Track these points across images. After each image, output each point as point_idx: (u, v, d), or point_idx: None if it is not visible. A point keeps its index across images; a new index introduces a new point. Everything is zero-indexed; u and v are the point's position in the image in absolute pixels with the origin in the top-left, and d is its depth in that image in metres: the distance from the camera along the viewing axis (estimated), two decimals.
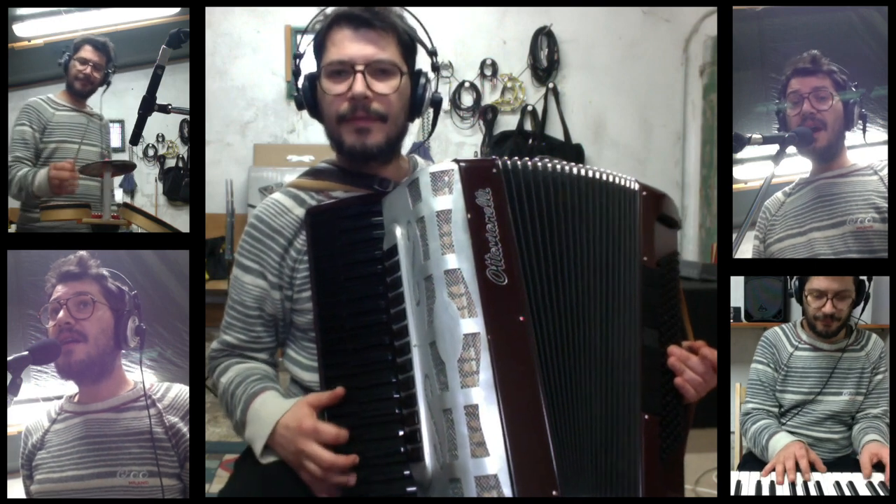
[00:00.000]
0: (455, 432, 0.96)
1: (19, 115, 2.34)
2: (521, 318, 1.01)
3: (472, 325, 0.99)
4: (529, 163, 1.11)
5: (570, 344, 1.04)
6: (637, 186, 1.17)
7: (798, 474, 1.49)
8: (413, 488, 1.02)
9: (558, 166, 1.12)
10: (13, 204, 2.37)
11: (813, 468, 1.51)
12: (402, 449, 1.02)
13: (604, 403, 1.04)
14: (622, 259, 1.11)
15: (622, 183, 1.16)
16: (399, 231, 1.09)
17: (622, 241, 1.12)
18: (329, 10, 1.27)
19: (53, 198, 2.25)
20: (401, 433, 1.03)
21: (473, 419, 0.96)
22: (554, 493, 0.94)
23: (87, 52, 2.36)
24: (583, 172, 1.14)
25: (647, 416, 1.04)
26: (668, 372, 1.10)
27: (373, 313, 1.09)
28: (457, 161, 1.07)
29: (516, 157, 1.11)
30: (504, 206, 1.06)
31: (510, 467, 0.94)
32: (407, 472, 1.02)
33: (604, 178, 1.15)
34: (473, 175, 1.06)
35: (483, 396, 0.96)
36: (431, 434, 1.00)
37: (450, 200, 1.04)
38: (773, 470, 1.52)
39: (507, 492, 0.93)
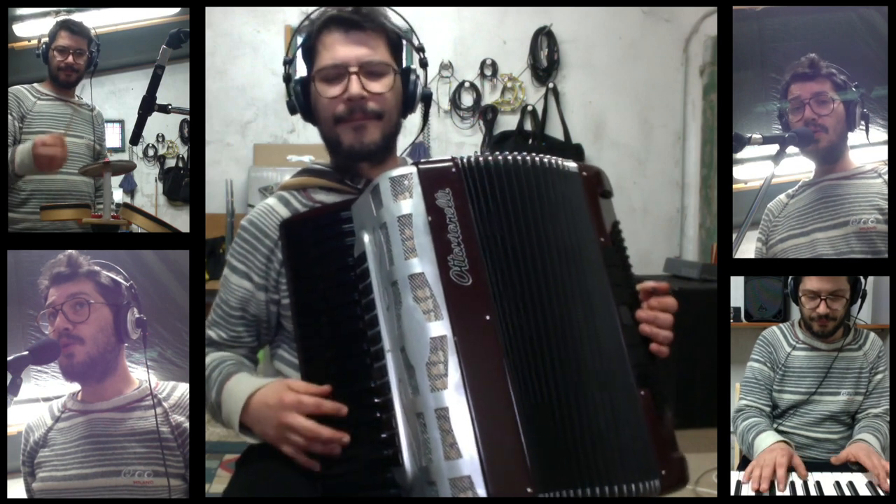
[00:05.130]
0: (428, 436, 0.97)
1: None
2: (488, 318, 1.01)
3: (439, 327, 0.99)
4: (490, 158, 1.09)
5: (546, 336, 1.04)
6: (575, 167, 1.16)
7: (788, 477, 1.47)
8: (395, 491, 1.02)
9: (509, 157, 1.10)
10: None
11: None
12: (382, 453, 1.02)
13: (600, 388, 1.04)
14: (583, 243, 1.11)
15: (563, 166, 1.14)
16: (367, 237, 1.08)
17: (578, 225, 1.11)
18: (315, 14, 1.28)
19: (24, 180, 2.15)
20: (381, 437, 1.03)
21: (444, 422, 0.96)
22: (528, 490, 0.95)
23: (64, 39, 2.22)
24: (535, 160, 1.12)
25: (643, 392, 1.06)
26: (645, 341, 1.11)
27: (349, 321, 1.09)
28: (416, 164, 1.07)
29: (475, 154, 1.11)
30: (465, 205, 1.05)
31: (483, 468, 0.94)
32: (389, 476, 1.02)
33: (546, 163, 1.13)
34: (432, 177, 1.06)
35: (453, 399, 0.97)
36: (408, 438, 1.00)
37: (410, 204, 1.04)
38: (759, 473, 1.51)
39: (481, 492, 0.93)
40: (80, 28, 2.25)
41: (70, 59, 2.25)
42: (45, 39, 2.24)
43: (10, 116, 2.21)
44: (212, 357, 1.28)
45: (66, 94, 2.33)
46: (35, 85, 2.31)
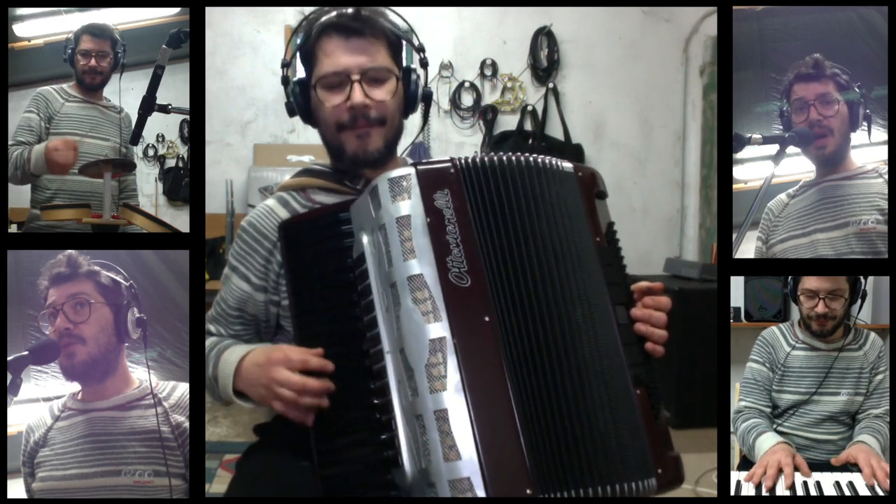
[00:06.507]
0: (427, 437, 0.97)
1: (29, 103, 2.28)
2: (487, 319, 1.01)
3: (438, 329, 0.99)
4: (487, 158, 1.09)
5: (544, 337, 1.03)
6: (571, 167, 1.15)
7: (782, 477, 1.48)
8: (395, 493, 1.02)
9: (504, 158, 1.10)
10: (16, 203, 2.36)
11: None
12: (382, 454, 1.02)
13: (598, 388, 1.04)
14: (580, 243, 1.10)
15: (559, 167, 1.14)
16: (365, 238, 1.08)
17: (574, 225, 1.11)
18: (313, 15, 1.28)
19: (49, 179, 2.20)
20: (381, 438, 1.03)
21: (444, 423, 0.96)
22: (528, 491, 0.95)
23: (87, 43, 2.26)
24: (530, 160, 1.12)
25: (638, 392, 1.06)
26: (640, 340, 1.11)
27: (348, 322, 1.09)
28: (414, 165, 1.07)
29: (474, 154, 1.10)
30: (464, 206, 1.05)
31: (482, 470, 0.94)
32: (389, 477, 1.02)
33: (542, 163, 1.13)
34: (431, 178, 1.06)
35: (452, 401, 0.97)
36: (408, 439, 1.00)
37: (409, 206, 1.04)
38: (762, 472, 1.50)
39: (480, 494, 0.94)
40: (101, 31, 2.28)
41: (93, 62, 2.28)
42: (71, 45, 2.27)
43: (37, 116, 2.26)
44: (212, 339, 1.30)
45: (93, 96, 2.36)
46: (64, 86, 2.34)
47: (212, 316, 1.33)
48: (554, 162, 1.13)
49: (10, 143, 2.20)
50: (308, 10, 1.32)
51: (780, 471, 1.47)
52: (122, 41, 2.32)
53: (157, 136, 4.41)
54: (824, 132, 1.56)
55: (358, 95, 1.23)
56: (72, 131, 2.28)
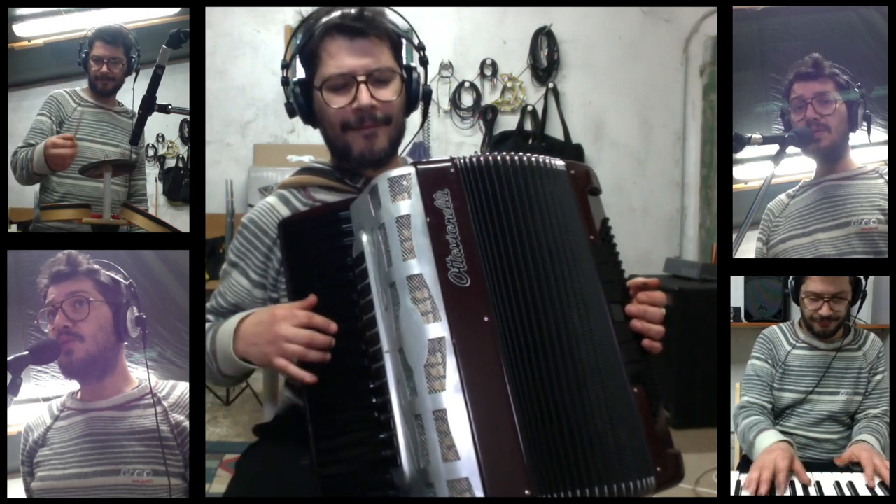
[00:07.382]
0: (426, 437, 0.96)
1: (42, 105, 2.26)
2: (486, 319, 1.01)
3: (437, 329, 0.99)
4: (486, 158, 1.09)
5: (543, 336, 1.03)
6: (563, 165, 1.15)
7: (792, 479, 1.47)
8: (393, 493, 1.02)
9: (499, 157, 1.10)
10: (17, 203, 2.36)
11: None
12: (381, 454, 1.02)
13: (596, 387, 1.03)
14: (574, 242, 1.10)
15: (550, 165, 1.14)
16: (365, 238, 1.08)
17: (568, 223, 1.11)
18: (313, 16, 1.28)
19: (57, 182, 2.21)
20: (379, 438, 1.03)
21: (442, 423, 0.96)
22: (526, 492, 0.95)
23: (99, 49, 2.25)
24: (523, 159, 1.11)
25: (636, 390, 1.05)
26: (636, 337, 1.11)
27: (347, 321, 1.09)
28: (414, 164, 1.06)
29: (473, 154, 1.10)
30: (464, 206, 1.05)
31: (480, 469, 0.94)
32: (388, 477, 1.01)
33: (534, 162, 1.12)
34: (431, 178, 1.05)
35: (451, 400, 0.96)
36: (407, 439, 1.00)
37: (409, 205, 1.04)
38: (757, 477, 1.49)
39: (478, 494, 0.93)
40: (114, 37, 2.26)
41: (105, 68, 2.26)
42: (85, 50, 2.26)
43: (49, 119, 2.25)
44: (209, 324, 1.30)
45: (105, 101, 2.34)
46: (77, 90, 2.33)
47: (210, 307, 1.34)
48: (546, 160, 1.13)
49: (20, 144, 2.19)
50: (305, 10, 1.31)
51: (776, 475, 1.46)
52: (137, 46, 2.29)
53: (157, 136, 4.41)
54: (821, 129, 1.56)
55: (365, 97, 1.23)
56: (83, 136, 2.27)
